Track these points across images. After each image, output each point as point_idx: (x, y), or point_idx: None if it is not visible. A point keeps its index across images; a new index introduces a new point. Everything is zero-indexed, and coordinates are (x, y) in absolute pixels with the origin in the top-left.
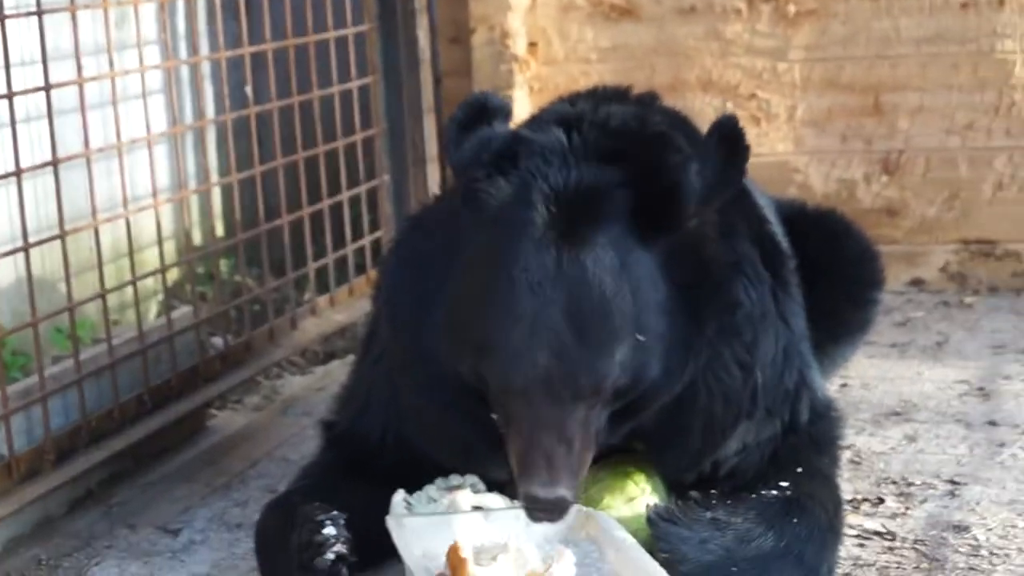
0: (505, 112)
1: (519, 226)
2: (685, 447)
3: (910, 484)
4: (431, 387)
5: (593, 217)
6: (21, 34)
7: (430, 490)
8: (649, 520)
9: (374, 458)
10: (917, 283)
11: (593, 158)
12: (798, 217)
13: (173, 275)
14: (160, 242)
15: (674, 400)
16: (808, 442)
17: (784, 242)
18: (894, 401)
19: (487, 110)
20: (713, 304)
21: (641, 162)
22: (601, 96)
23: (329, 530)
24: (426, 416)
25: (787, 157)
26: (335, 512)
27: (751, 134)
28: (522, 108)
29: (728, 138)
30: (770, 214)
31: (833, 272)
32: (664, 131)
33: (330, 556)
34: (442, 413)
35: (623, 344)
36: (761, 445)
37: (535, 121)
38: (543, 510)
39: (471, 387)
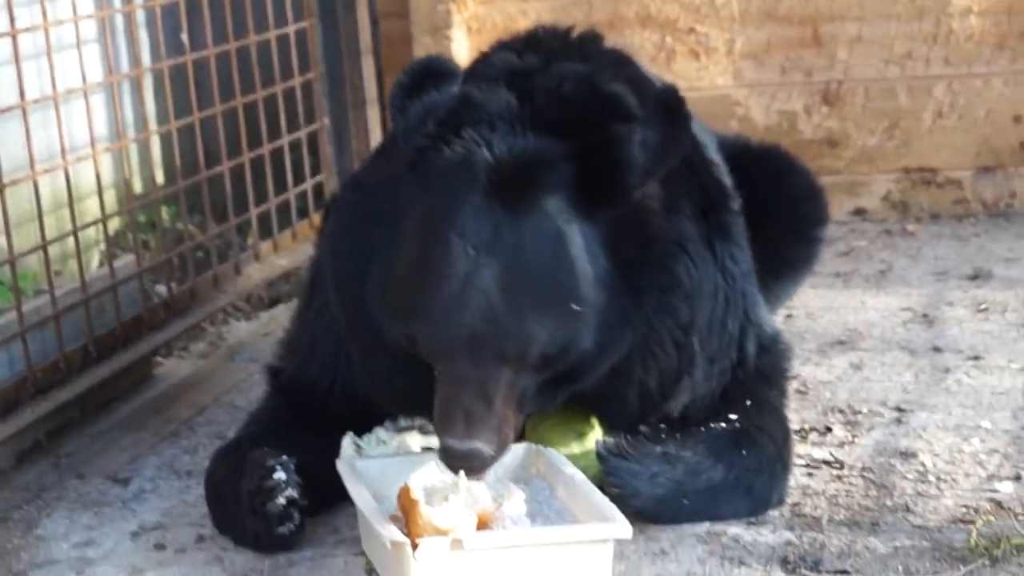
0: (453, 75)
1: (459, 192)
2: (622, 412)
3: (857, 412)
4: (374, 348)
5: (534, 187)
6: None
7: (379, 432)
8: (599, 456)
9: (322, 405)
10: (860, 212)
11: (541, 127)
12: (742, 154)
13: (114, 224)
14: (100, 192)
15: (610, 370)
16: (756, 376)
17: (728, 182)
18: (839, 330)
19: (433, 74)
20: (654, 282)
21: (587, 135)
22: (546, 45)
23: (280, 475)
24: (375, 375)
25: (727, 91)
26: (285, 457)
27: (690, 68)
28: (461, 48)
29: (669, 108)
30: (713, 152)
31: (777, 210)
32: (616, 97)
33: (281, 501)
34: (387, 372)
35: (554, 313)
36: (711, 386)
37: (482, 76)
38: (459, 460)
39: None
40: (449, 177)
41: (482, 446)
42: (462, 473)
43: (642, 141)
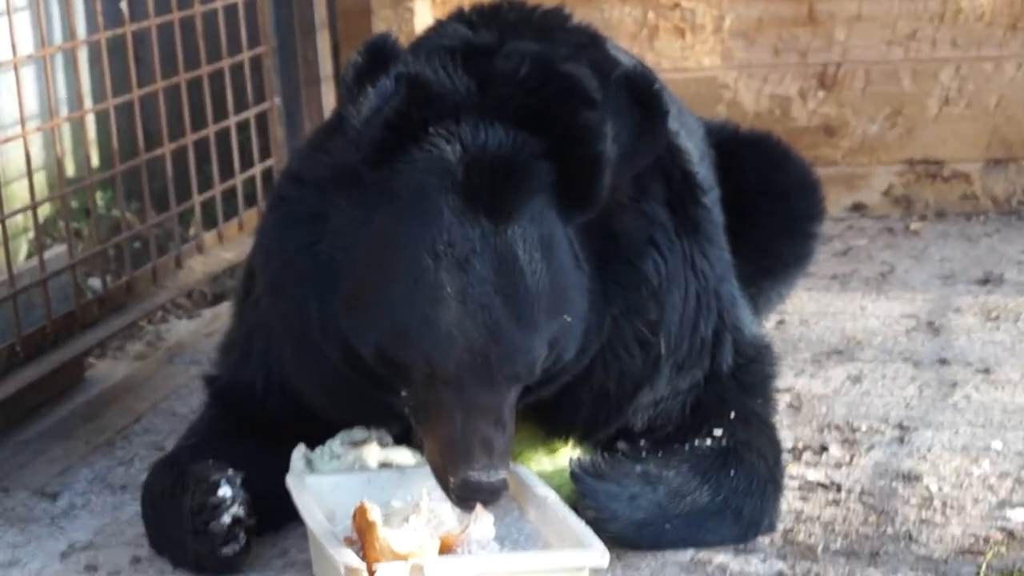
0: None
1: (435, 197)
2: (573, 419)
3: (855, 430)
4: (312, 355)
5: (516, 189)
6: None
7: (333, 445)
8: (573, 475)
9: (260, 409)
10: (858, 208)
11: (508, 119)
12: (730, 142)
13: (45, 211)
14: (30, 175)
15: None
16: (735, 386)
17: (703, 173)
18: (836, 338)
19: (389, 55)
20: (620, 280)
21: (556, 127)
22: (504, 18)
23: (225, 491)
24: (310, 380)
25: (714, 72)
26: (231, 471)
27: (674, 47)
28: (424, 21)
29: (642, 97)
30: (696, 140)
31: (769, 203)
32: (573, 80)
33: (226, 519)
34: (326, 379)
35: (553, 324)
36: (680, 395)
37: (434, 50)
38: (484, 494)
39: (364, 365)
40: (420, 179)
41: (505, 475)
42: (424, 492)
43: (615, 136)
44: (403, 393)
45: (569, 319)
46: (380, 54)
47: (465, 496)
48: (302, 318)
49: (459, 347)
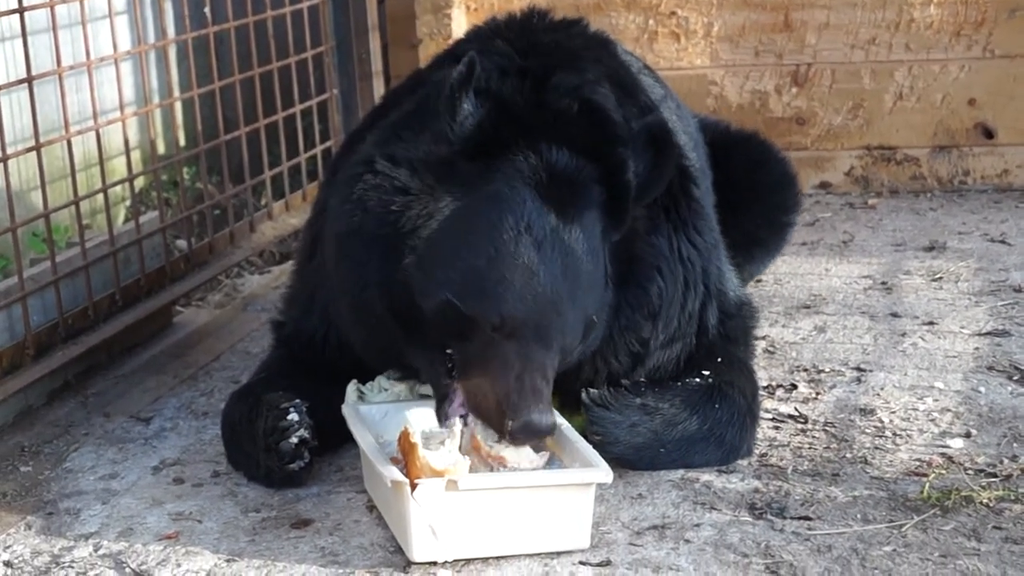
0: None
1: (523, 189)
2: (568, 395)
3: (820, 371)
4: (362, 309)
5: (579, 200)
6: None
7: (381, 380)
8: (583, 405)
9: (321, 354)
10: (824, 186)
11: (568, 147)
12: (721, 139)
13: (140, 183)
14: (127, 152)
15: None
16: (720, 338)
17: (696, 159)
18: (805, 295)
19: (474, 72)
20: (631, 302)
21: (605, 163)
22: (535, 35)
23: (293, 416)
24: (357, 333)
25: (704, 70)
26: (297, 400)
27: (671, 49)
28: (459, 26)
29: (657, 141)
30: (691, 130)
31: (753, 195)
32: (615, 124)
33: (294, 440)
34: (370, 333)
35: (587, 318)
36: (674, 358)
37: (503, 76)
38: (542, 433)
39: (417, 318)
40: (511, 175)
41: (553, 418)
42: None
43: (635, 170)
44: (448, 351)
45: (596, 320)
46: (472, 72)
47: (523, 435)
48: (361, 277)
49: (529, 308)
